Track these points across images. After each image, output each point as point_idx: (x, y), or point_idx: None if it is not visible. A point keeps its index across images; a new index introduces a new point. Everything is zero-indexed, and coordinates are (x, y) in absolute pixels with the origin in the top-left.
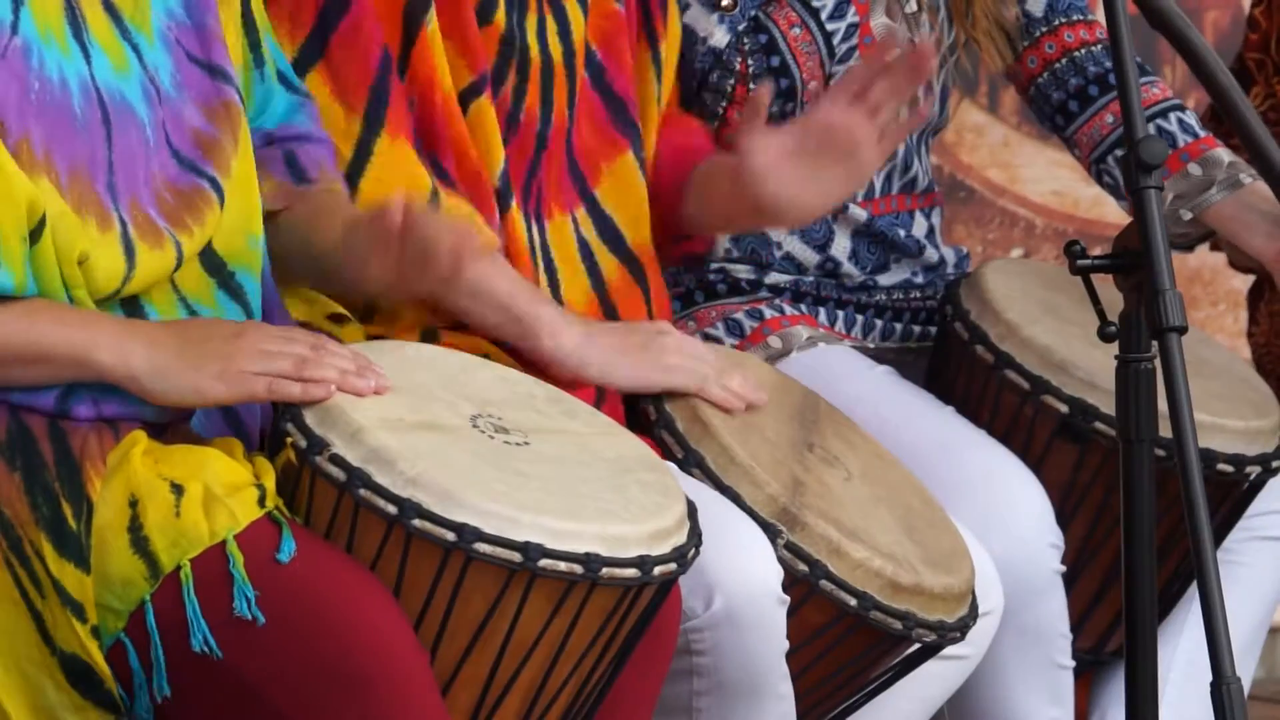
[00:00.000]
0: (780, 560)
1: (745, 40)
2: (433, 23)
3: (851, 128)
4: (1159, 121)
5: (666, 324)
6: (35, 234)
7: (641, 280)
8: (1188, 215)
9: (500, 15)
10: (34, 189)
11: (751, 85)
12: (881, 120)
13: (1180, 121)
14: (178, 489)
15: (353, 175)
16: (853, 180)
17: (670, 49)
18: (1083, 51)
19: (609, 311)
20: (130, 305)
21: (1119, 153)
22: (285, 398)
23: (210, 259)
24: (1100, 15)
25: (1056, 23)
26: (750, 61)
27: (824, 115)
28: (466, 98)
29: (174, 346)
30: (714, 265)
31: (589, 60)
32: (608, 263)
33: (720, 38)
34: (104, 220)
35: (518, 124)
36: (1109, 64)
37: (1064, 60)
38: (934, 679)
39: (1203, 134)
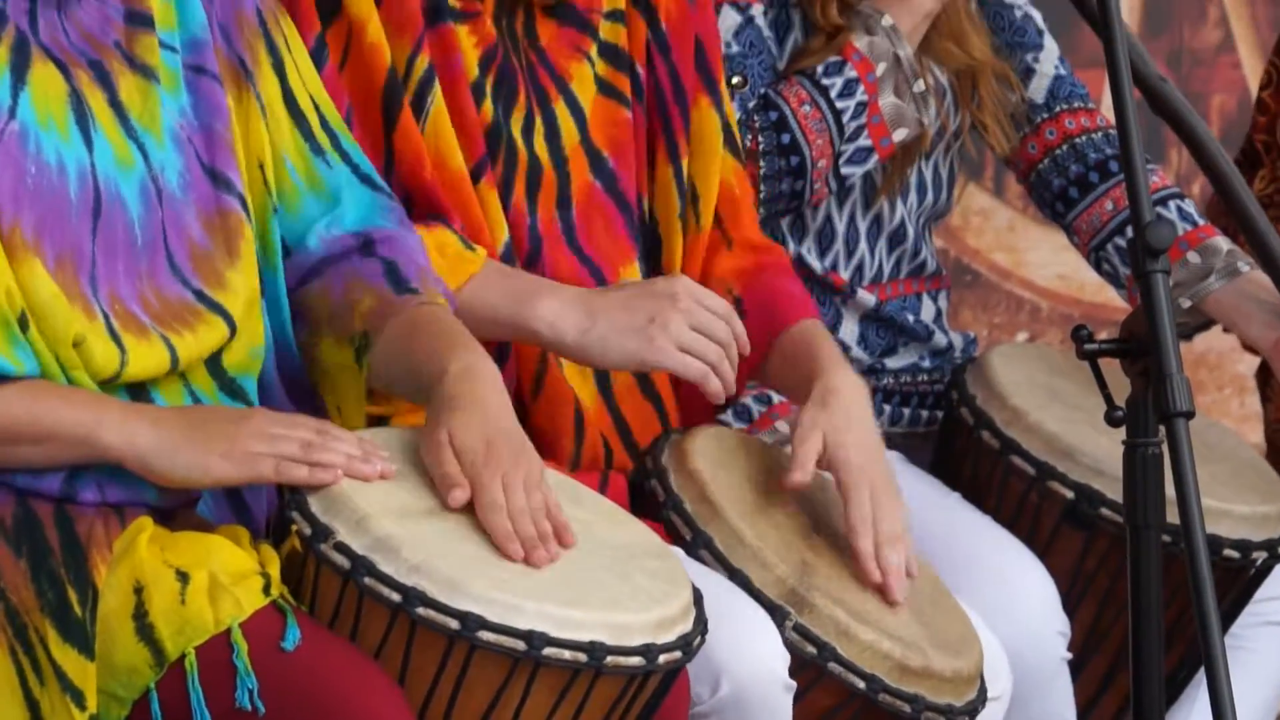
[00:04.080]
0: (788, 642)
1: (756, 117)
2: (435, 102)
3: None
4: (1158, 209)
5: (681, 283)
6: (24, 322)
7: (650, 390)
8: (1187, 303)
9: (487, 105)
10: (10, 281)
11: (762, 163)
12: None
13: (1180, 209)
14: (183, 576)
15: None
16: None
17: (701, 161)
18: (1084, 138)
19: (616, 418)
20: (137, 392)
21: (1118, 241)
22: (292, 480)
23: (214, 366)
24: (1103, 103)
25: (1058, 109)
26: (761, 139)
27: None
28: (474, 179)
29: (180, 427)
30: None
31: (598, 166)
32: (620, 372)
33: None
34: (88, 310)
35: (507, 215)
36: (1110, 151)
37: (1065, 147)
38: None
39: (1201, 222)
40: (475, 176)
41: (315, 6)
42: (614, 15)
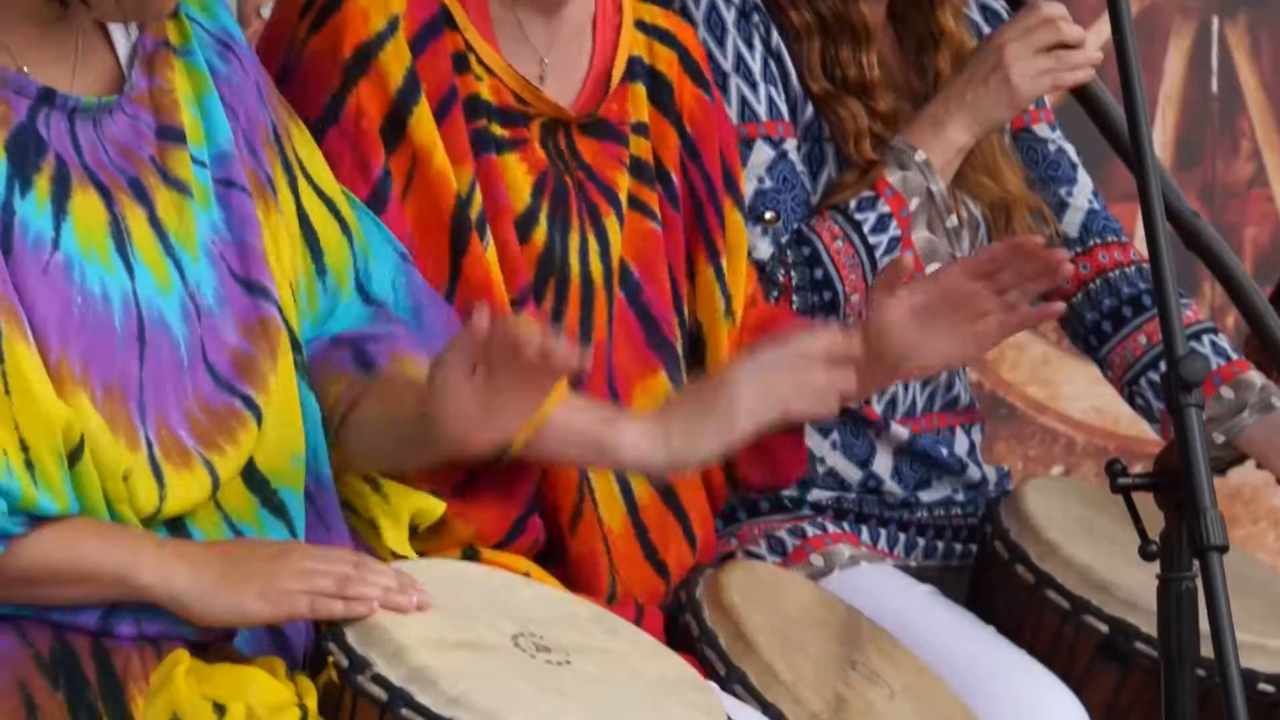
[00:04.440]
0: None
1: (789, 253)
2: (487, 236)
3: (976, 298)
4: (1192, 344)
5: (733, 374)
6: (76, 454)
7: (675, 506)
8: (1221, 439)
9: (540, 233)
10: (69, 411)
11: (795, 298)
12: (1009, 300)
13: (1213, 344)
14: (220, 709)
15: None
16: (969, 348)
17: (733, 260)
18: (1117, 273)
19: (642, 537)
20: (174, 526)
21: (1152, 375)
22: (328, 615)
23: (252, 476)
24: (1136, 237)
25: (1091, 243)
26: (794, 274)
27: (953, 279)
28: (516, 308)
29: (217, 567)
30: None
31: (625, 278)
32: (640, 487)
33: (764, 250)
34: (132, 440)
35: None
36: (1143, 285)
37: (1098, 281)
38: None
39: (1235, 357)
40: (518, 306)
41: (380, 134)
42: (638, 129)
